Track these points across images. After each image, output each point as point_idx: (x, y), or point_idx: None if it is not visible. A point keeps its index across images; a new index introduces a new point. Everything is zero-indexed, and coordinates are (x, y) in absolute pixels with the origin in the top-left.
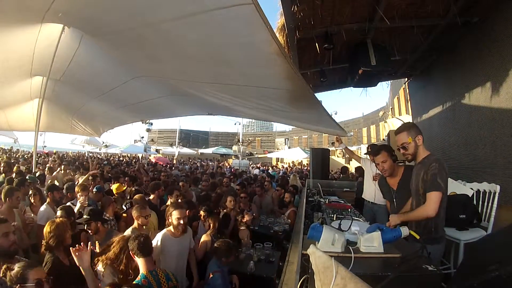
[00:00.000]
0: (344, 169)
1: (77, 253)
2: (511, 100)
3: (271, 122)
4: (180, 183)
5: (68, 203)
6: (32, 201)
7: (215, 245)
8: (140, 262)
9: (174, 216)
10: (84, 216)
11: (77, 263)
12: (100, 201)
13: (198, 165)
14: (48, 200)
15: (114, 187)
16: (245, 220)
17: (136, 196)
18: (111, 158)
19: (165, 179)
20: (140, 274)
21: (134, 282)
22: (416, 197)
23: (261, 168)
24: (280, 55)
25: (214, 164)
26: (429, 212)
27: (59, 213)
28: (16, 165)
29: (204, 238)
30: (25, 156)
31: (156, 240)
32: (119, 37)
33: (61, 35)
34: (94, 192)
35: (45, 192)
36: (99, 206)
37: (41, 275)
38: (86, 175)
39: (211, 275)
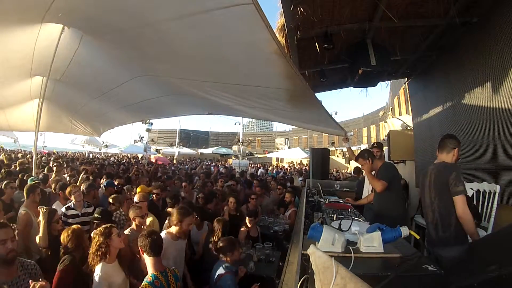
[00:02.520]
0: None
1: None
2: (511, 100)
3: (271, 121)
4: (183, 184)
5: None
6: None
7: (219, 244)
8: (149, 261)
9: (186, 221)
10: (96, 215)
11: None
12: (111, 195)
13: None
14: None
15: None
16: (249, 226)
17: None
18: (111, 158)
19: (166, 180)
20: (150, 275)
21: (145, 282)
22: None
23: (261, 168)
24: (280, 55)
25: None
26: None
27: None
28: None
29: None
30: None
31: None
32: (119, 37)
33: (61, 35)
34: (103, 188)
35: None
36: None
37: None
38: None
39: (221, 277)
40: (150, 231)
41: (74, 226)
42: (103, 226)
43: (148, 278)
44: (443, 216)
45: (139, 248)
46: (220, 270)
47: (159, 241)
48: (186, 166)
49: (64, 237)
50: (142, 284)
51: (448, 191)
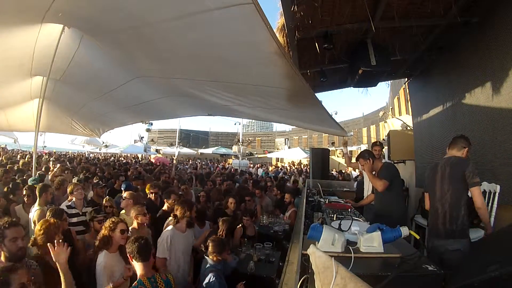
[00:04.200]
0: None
1: (55, 249)
2: (511, 100)
3: (271, 122)
4: (182, 187)
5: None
6: (26, 200)
7: (208, 243)
8: (137, 266)
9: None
10: (92, 213)
11: (54, 258)
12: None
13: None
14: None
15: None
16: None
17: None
18: (111, 158)
19: (166, 180)
20: (137, 280)
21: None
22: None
23: (261, 168)
24: (280, 55)
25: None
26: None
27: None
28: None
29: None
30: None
31: (166, 236)
32: (119, 37)
33: (61, 35)
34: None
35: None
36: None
37: (25, 278)
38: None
39: (205, 277)
40: (137, 236)
41: (50, 219)
42: (112, 220)
43: (134, 284)
44: (454, 208)
45: (127, 254)
46: (205, 270)
47: (147, 246)
48: (186, 166)
49: (36, 229)
50: None
51: (463, 183)
